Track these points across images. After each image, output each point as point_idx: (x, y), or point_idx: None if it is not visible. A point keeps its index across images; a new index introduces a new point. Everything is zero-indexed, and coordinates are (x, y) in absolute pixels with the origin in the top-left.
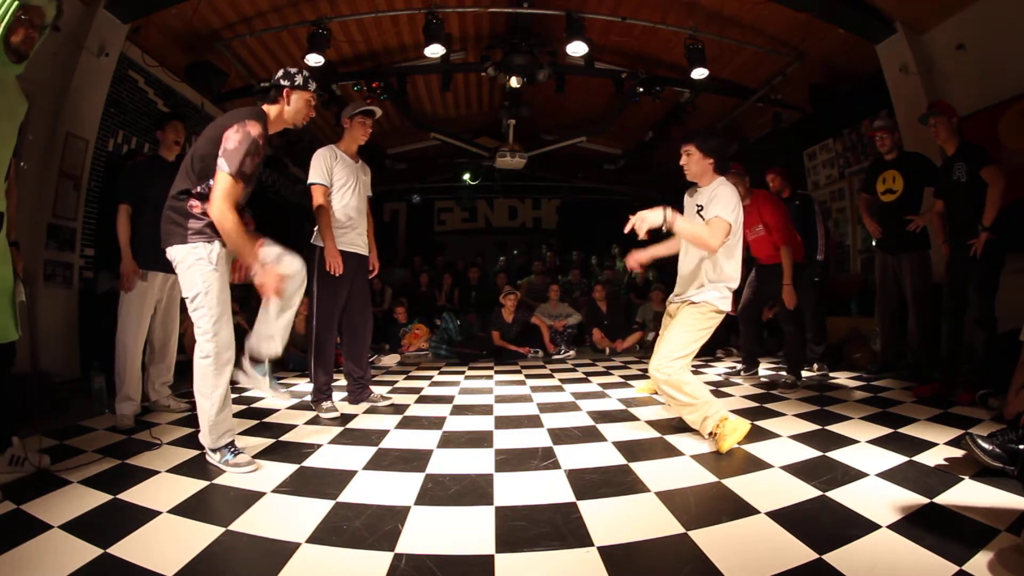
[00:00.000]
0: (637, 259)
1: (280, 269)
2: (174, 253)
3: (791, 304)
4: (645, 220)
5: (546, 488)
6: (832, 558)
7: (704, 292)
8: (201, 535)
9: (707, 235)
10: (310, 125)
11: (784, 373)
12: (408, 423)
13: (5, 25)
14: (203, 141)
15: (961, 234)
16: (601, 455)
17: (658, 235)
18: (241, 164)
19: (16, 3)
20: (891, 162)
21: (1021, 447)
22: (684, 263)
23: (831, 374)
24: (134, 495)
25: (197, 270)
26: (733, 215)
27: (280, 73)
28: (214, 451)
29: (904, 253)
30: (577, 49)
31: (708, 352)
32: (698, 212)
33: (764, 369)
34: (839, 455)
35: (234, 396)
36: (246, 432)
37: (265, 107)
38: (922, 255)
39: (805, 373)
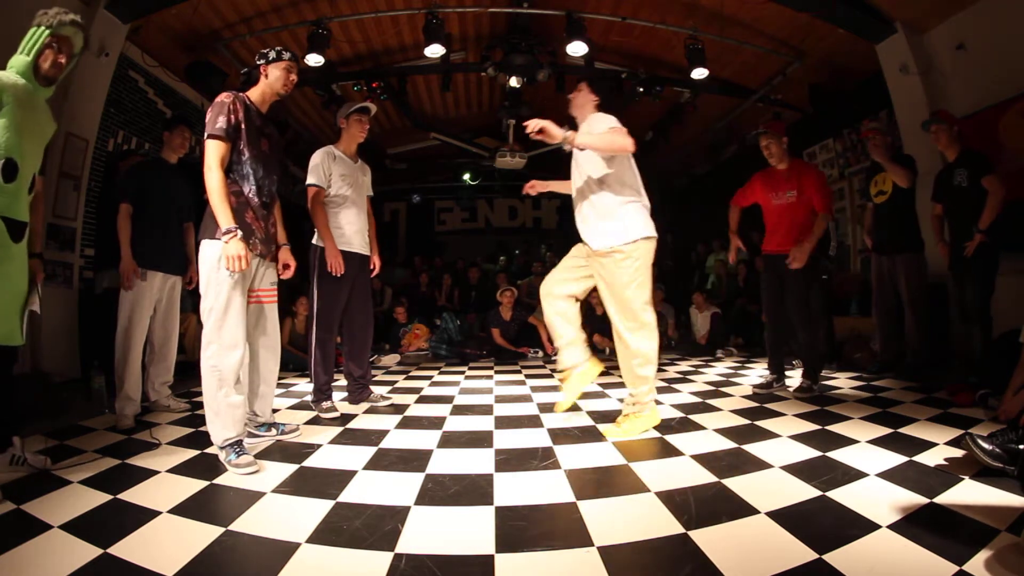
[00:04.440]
0: (533, 185)
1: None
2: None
3: (796, 264)
4: (546, 127)
5: (546, 488)
6: (832, 558)
7: (626, 225)
8: (201, 535)
9: (619, 136)
10: (310, 125)
11: (803, 380)
12: (408, 423)
13: (36, 52)
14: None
15: (961, 237)
16: (601, 455)
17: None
18: (214, 124)
19: (48, 32)
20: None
21: (1021, 447)
22: (578, 193)
23: (830, 375)
24: (134, 495)
25: None
26: (619, 123)
27: (256, 57)
28: (220, 447)
29: (898, 255)
30: (577, 49)
31: (708, 352)
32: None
33: (759, 377)
34: (839, 455)
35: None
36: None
37: (247, 93)
38: (916, 256)
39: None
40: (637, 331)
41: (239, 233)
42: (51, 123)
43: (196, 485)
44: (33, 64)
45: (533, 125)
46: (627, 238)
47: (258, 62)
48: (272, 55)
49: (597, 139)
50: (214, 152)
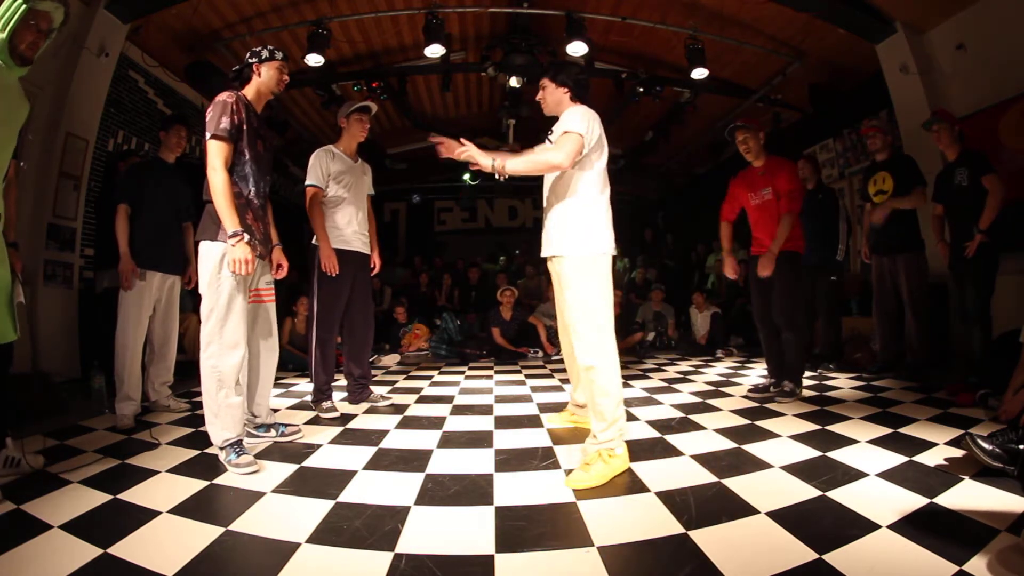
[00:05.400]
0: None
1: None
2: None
3: (764, 272)
4: (472, 154)
5: (546, 488)
6: (832, 558)
7: (574, 235)
8: (201, 535)
9: (548, 152)
10: (310, 126)
11: (785, 382)
12: (408, 423)
13: (11, 28)
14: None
15: (961, 237)
16: None
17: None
18: (217, 124)
19: (24, 7)
20: (883, 163)
21: (1021, 447)
22: (547, 202)
23: (828, 375)
24: (134, 495)
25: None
26: (583, 126)
27: (247, 55)
28: (220, 448)
29: (899, 255)
30: (577, 49)
31: (708, 352)
32: (548, 141)
33: (759, 377)
34: (839, 455)
35: None
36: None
37: (243, 92)
38: (917, 256)
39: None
40: (588, 352)
41: (246, 237)
42: (24, 104)
43: (196, 485)
44: (8, 43)
45: (459, 153)
46: (574, 249)
47: (250, 60)
48: (265, 54)
49: (526, 163)
50: (218, 153)
